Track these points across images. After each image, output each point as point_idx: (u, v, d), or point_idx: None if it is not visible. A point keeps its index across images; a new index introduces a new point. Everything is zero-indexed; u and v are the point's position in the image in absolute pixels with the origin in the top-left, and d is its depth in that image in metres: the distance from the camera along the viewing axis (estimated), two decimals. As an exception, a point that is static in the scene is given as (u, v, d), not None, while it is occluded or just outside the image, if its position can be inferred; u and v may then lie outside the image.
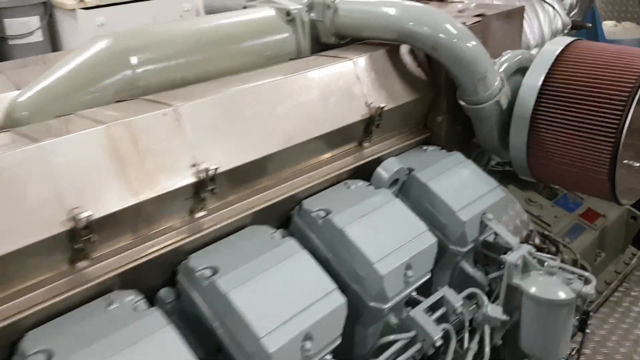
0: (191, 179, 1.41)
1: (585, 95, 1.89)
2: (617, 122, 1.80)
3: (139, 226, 1.38)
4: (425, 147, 2.17)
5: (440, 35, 1.91)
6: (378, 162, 1.98)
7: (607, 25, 6.58)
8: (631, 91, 1.80)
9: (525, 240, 2.55)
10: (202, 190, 1.43)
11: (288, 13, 2.10)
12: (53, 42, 5.08)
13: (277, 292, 1.40)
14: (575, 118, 1.90)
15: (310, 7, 2.13)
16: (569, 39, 2.10)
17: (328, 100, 1.79)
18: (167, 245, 1.43)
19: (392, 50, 2.05)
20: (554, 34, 3.43)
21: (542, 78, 1.99)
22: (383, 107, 1.87)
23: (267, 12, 2.13)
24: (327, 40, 2.16)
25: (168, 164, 1.39)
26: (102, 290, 1.31)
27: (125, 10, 4.74)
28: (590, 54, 1.97)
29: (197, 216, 1.49)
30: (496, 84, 2.00)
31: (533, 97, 1.99)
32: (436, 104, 2.17)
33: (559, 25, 3.47)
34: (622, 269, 4.04)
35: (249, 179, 1.61)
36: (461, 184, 1.99)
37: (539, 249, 3.42)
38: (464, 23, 2.12)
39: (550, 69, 1.99)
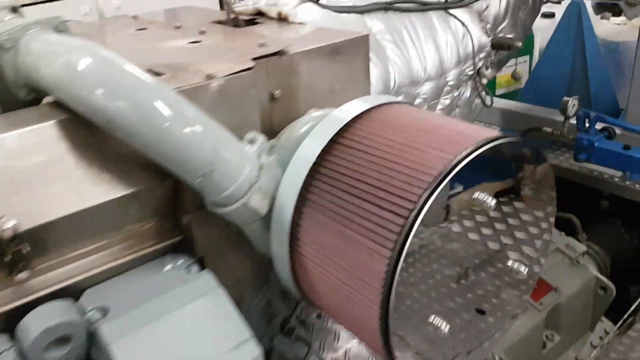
0: None
1: (353, 206, 1.10)
2: (390, 255, 1.01)
3: None
4: (167, 262, 1.41)
5: (131, 110, 1.15)
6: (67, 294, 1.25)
7: (613, 22, 5.25)
8: (413, 208, 1.00)
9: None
10: None
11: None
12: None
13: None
14: (339, 239, 1.12)
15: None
16: (379, 101, 1.31)
17: None
18: None
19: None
20: (464, 60, 2.62)
21: (309, 166, 1.21)
22: (13, 225, 1.11)
23: None
24: (19, 95, 1.42)
25: None
26: None
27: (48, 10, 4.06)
28: (384, 133, 1.18)
29: None
30: (241, 178, 1.22)
31: (293, 197, 1.21)
32: (179, 198, 1.40)
33: (470, 47, 2.64)
34: (586, 355, 3.17)
35: None
36: (180, 341, 1.22)
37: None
38: (210, 77, 1.35)
39: (322, 153, 1.21)
